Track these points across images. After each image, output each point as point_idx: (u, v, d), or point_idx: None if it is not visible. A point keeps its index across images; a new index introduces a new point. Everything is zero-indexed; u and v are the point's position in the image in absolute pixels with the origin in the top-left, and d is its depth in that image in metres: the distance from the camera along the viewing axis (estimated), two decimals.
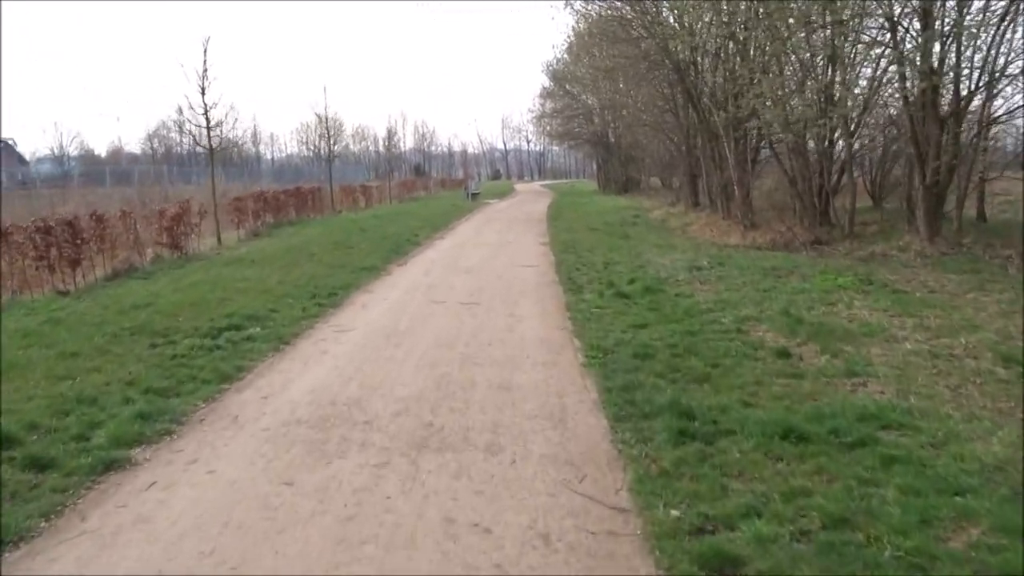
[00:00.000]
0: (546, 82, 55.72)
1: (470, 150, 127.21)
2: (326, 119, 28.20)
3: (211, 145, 17.50)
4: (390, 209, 30.83)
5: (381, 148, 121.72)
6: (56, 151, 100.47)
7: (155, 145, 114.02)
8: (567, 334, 8.25)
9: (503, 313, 9.42)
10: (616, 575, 3.37)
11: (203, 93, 16.93)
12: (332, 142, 28.94)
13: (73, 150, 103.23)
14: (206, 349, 7.31)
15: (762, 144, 23.95)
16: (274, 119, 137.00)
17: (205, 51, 16.64)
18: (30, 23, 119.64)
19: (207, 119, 17.10)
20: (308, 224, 22.41)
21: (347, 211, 28.76)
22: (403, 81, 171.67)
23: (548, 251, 16.39)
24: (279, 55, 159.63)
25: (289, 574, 3.38)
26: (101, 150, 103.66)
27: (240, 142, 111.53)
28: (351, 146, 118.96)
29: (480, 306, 9.89)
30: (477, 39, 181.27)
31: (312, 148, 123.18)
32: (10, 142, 79.50)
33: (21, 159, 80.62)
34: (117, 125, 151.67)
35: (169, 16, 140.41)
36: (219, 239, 17.42)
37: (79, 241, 11.73)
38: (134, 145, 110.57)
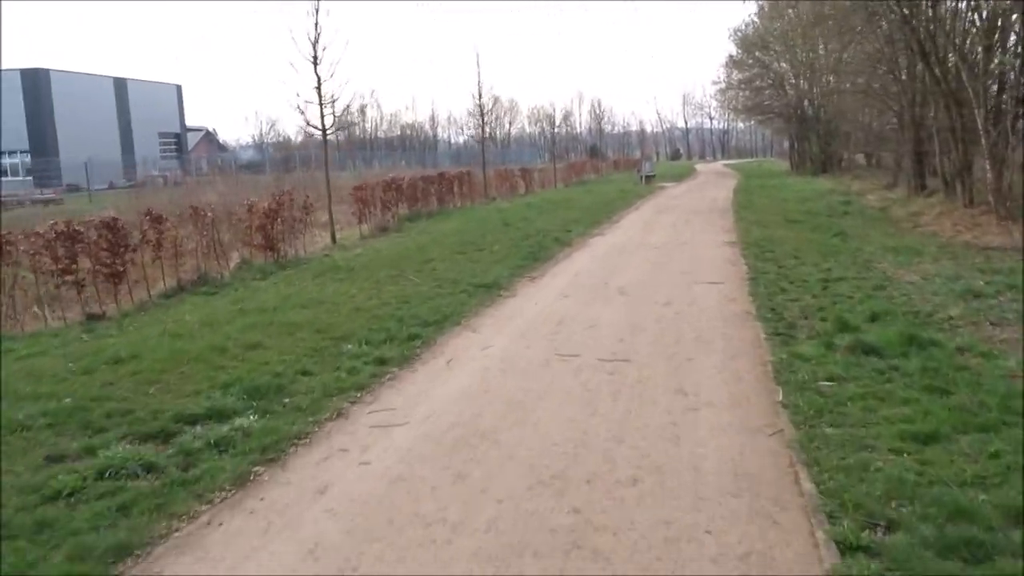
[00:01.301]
0: (733, 50, 49.93)
1: (648, 129, 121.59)
2: (479, 96, 25.22)
3: (324, 125, 14.80)
4: (551, 196, 27.41)
5: (557, 128, 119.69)
6: (256, 139, 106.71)
7: (338, 132, 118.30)
8: (782, 455, 4.37)
9: (666, 388, 5.64)
10: None
11: (315, 63, 14.22)
12: (485, 122, 25.86)
13: (271, 138, 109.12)
14: (121, 477, 4.14)
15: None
16: (454, 101, 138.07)
17: (317, 13, 13.82)
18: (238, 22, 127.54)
19: (319, 94, 14.39)
20: (449, 216, 19.44)
21: (502, 199, 25.69)
22: (581, 59, 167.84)
23: (736, 256, 12.26)
24: (456, 37, 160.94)
25: None
26: (297, 137, 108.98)
27: (415, 125, 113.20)
28: (527, 127, 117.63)
29: (630, 367, 6.16)
30: (657, 11, 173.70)
31: (489, 131, 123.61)
32: (211, 131, 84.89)
33: (221, 146, 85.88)
34: (306, 113, 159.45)
35: None
36: (333, 237, 14.74)
37: (123, 248, 9.17)
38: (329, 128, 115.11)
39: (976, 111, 16.79)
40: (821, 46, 36.51)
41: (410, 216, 18.56)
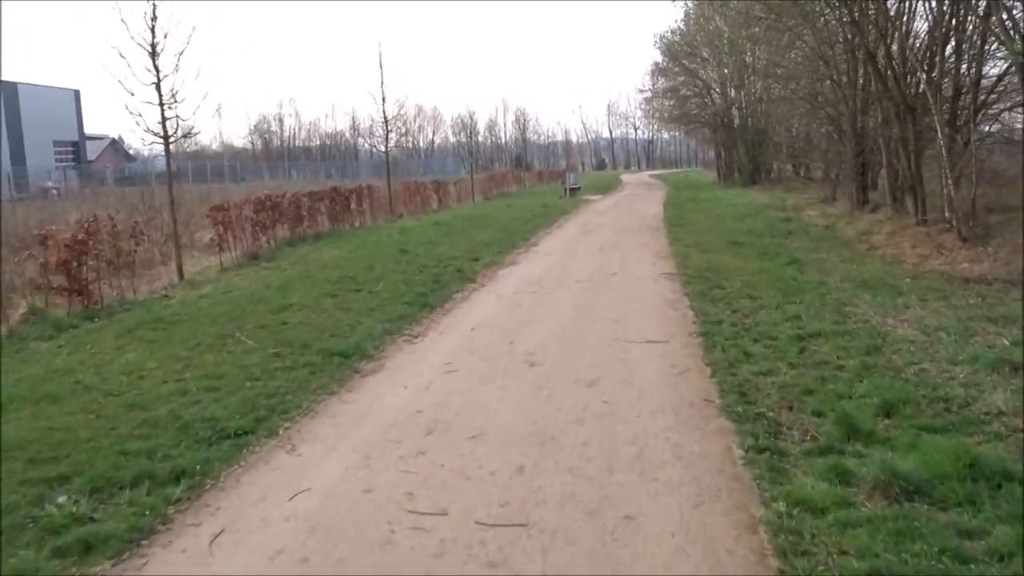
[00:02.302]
0: (659, 58, 48.43)
1: (574, 139, 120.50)
2: (383, 101, 22.34)
3: (165, 131, 11.75)
4: (466, 212, 24.74)
5: (481, 138, 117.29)
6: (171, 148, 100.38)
7: (254, 140, 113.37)
8: None
9: None
10: None
11: (154, 53, 11.21)
12: (407, 131, 23.02)
13: (189, 146, 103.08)
14: None
15: (981, 117, 16.53)
16: (377, 109, 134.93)
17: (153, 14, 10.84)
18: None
19: (159, 92, 11.35)
20: (340, 239, 16.55)
21: (410, 216, 22.91)
22: (506, 68, 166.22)
23: (678, 294, 9.84)
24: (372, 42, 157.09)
25: None
26: (212, 144, 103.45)
27: (336, 134, 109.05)
28: (450, 137, 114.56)
29: (523, 549, 3.55)
30: (582, 21, 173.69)
31: (411, 141, 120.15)
32: (117, 138, 79.28)
33: (128, 155, 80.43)
34: (220, 120, 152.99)
35: None
36: (180, 272, 11.72)
37: None
38: (241, 140, 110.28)
39: (935, 117, 14.95)
40: (749, 53, 35.04)
41: (292, 240, 15.62)
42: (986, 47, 15.46)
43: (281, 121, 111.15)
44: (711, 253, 13.41)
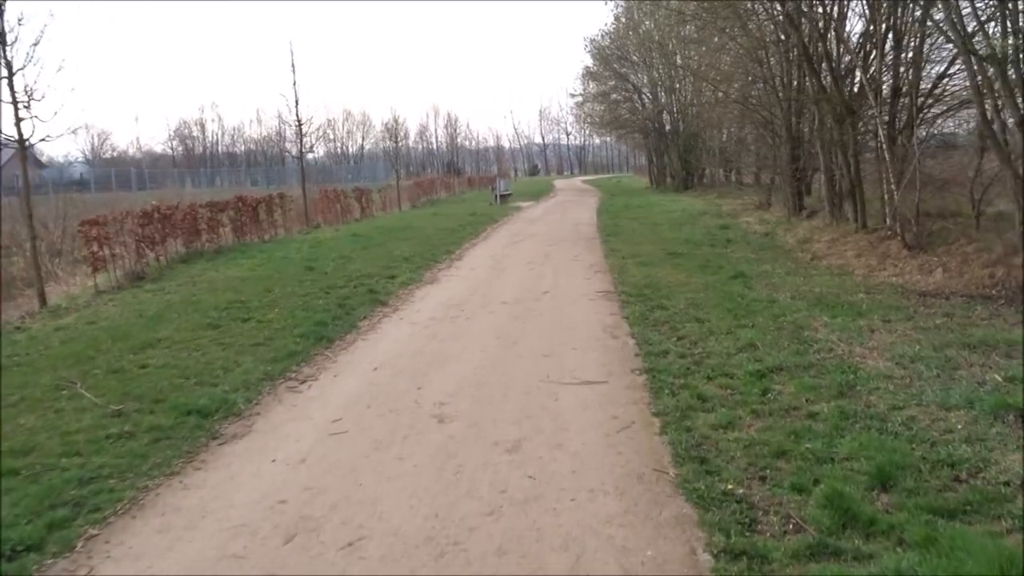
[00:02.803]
0: (589, 62, 47.77)
1: (506, 144, 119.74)
2: (296, 103, 20.65)
3: (21, 133, 10.02)
4: (389, 221, 23.26)
5: (412, 144, 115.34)
6: (86, 154, 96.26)
7: (174, 146, 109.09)
8: None
9: None
10: None
11: (3, 44, 9.50)
12: (302, 134, 21.42)
13: (106, 153, 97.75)
14: None
15: (919, 121, 15.97)
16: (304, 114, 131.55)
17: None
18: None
19: (11, 88, 9.67)
20: (244, 254, 14.92)
21: (328, 226, 21.34)
22: (438, 73, 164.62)
23: (616, 317, 8.70)
24: (313, 49, 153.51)
25: None
26: (129, 151, 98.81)
27: (262, 139, 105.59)
28: (381, 143, 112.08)
29: None
30: (513, 25, 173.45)
31: (340, 146, 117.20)
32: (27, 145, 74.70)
33: (38, 162, 76.19)
34: (137, 125, 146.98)
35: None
36: (43, 298, 10.01)
37: None
38: (161, 145, 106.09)
39: (877, 119, 14.28)
40: (680, 55, 34.54)
41: (188, 257, 13.95)
42: (926, 46, 14.90)
43: (203, 126, 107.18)
44: (650, 266, 12.36)
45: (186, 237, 14.14)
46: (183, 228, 14.00)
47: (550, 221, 23.20)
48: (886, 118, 14.80)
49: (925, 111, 15.91)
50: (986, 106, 11.05)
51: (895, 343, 6.97)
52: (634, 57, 40.98)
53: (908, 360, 6.37)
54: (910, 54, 15.08)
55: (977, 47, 11.06)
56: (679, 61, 35.42)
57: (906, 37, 15.01)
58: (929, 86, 15.50)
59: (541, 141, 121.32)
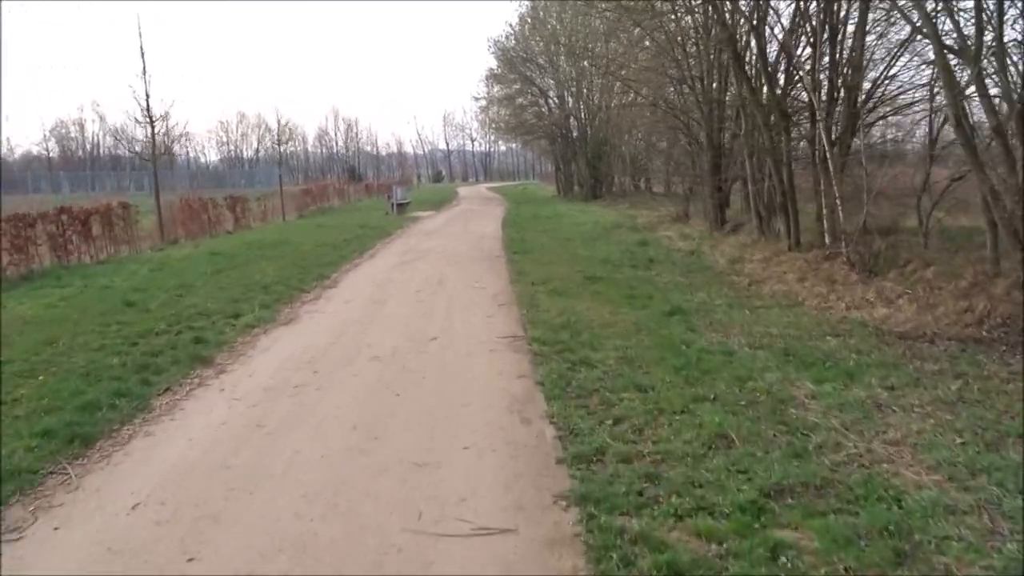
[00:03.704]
0: (494, 64, 45.65)
1: (410, 150, 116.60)
2: (147, 97, 17.44)
3: None
4: (265, 234, 20.20)
5: (311, 148, 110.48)
6: None
7: (50, 147, 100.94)
8: None
9: None
10: None
11: None
12: (154, 133, 18.17)
13: None
14: None
15: (860, 126, 14.36)
16: (200, 118, 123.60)
17: None
18: None
19: None
20: (61, 280, 11.80)
21: (191, 240, 18.22)
22: (337, 75, 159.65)
23: (527, 381, 6.33)
24: (212, 49, 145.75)
25: None
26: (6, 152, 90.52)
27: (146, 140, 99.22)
28: (277, 147, 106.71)
29: None
30: (417, 28, 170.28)
31: (233, 150, 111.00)
32: None
33: None
34: (6, 124, 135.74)
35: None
36: None
37: None
38: (36, 146, 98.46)
39: (820, 124, 12.49)
40: (587, 57, 32.74)
41: None
42: (869, 40, 13.27)
43: (82, 126, 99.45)
44: (566, 296, 10.07)
45: None
46: None
47: (450, 235, 20.72)
48: (823, 124, 13.07)
49: (865, 116, 14.35)
50: (963, 107, 9.28)
51: (924, 433, 4.86)
52: (540, 59, 39.06)
53: (963, 471, 4.25)
54: (848, 52, 13.46)
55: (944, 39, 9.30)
56: (586, 64, 33.66)
57: (842, 31, 13.36)
58: (870, 86, 13.94)
59: (446, 147, 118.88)
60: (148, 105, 17.28)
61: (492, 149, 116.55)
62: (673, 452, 4.63)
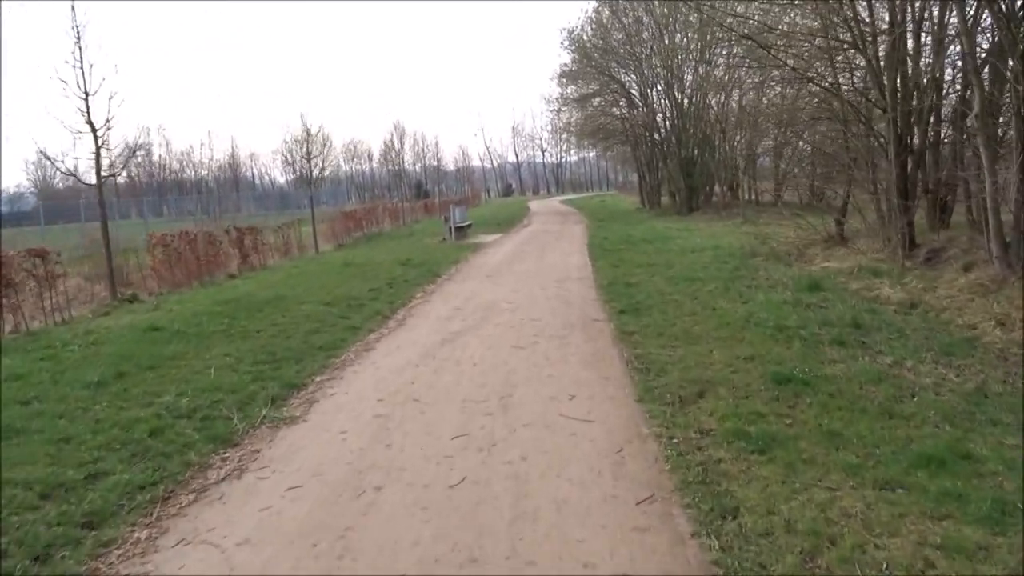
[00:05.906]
0: (567, 59, 40.18)
1: (477, 164, 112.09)
2: (87, 97, 12.54)
3: None
4: (261, 283, 14.87)
5: (375, 166, 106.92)
6: (24, 187, 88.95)
7: (119, 173, 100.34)
8: None
9: None
10: None
11: None
12: (98, 149, 13.23)
13: (57, 182, 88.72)
14: None
15: None
16: (266, 138, 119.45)
17: None
18: None
19: None
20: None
21: (173, 292, 13.26)
22: (403, 91, 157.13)
23: None
24: (265, 70, 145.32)
25: None
26: (59, 184, 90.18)
27: (212, 165, 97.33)
28: (342, 165, 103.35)
29: None
30: (485, 41, 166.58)
31: (298, 171, 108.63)
32: None
33: None
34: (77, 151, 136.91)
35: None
36: None
37: None
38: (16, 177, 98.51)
39: None
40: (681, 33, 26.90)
41: None
42: None
43: (149, 151, 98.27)
44: (770, 445, 4.41)
45: None
46: None
47: (521, 274, 15.18)
48: None
49: None
50: None
51: None
52: (621, 50, 33.33)
53: None
54: None
55: None
56: (679, 39, 27.89)
57: None
58: None
59: (515, 159, 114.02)
60: (90, 115, 12.40)
61: (563, 159, 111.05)
62: None
